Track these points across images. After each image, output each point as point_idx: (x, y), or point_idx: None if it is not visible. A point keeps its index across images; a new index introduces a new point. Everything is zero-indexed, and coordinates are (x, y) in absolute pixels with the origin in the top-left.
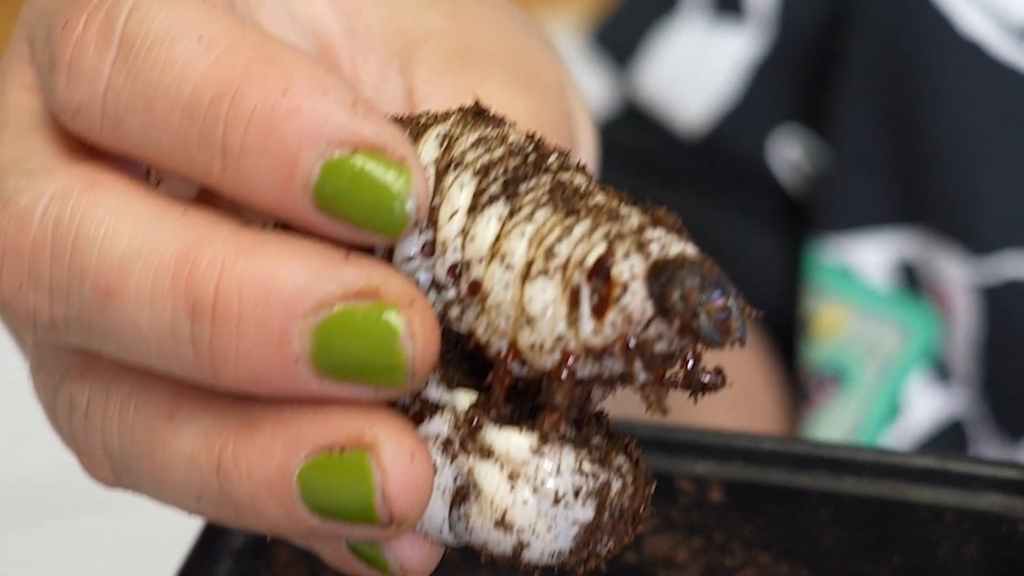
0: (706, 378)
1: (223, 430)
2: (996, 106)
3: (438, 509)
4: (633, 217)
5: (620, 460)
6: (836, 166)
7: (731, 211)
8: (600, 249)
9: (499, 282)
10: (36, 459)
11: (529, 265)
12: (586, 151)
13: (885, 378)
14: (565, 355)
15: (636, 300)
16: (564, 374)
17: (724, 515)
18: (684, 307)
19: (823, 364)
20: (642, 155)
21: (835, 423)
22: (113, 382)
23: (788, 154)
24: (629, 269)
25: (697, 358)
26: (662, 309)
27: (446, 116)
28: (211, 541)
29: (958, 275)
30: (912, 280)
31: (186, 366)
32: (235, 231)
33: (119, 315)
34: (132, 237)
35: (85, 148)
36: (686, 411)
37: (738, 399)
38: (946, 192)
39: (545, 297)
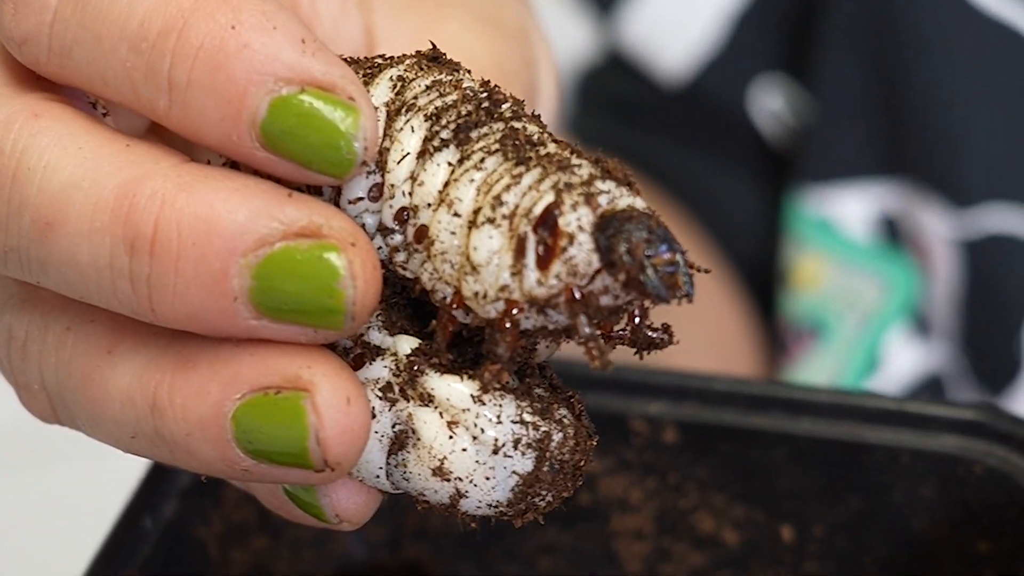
0: (653, 335)
1: (160, 367)
2: (979, 58)
3: (375, 455)
4: (583, 168)
5: (562, 412)
6: (819, 116)
7: (711, 160)
8: (548, 199)
9: (445, 229)
10: None
11: (476, 213)
12: (548, 100)
13: (864, 331)
14: (509, 305)
15: (582, 252)
16: (507, 324)
17: (678, 456)
18: (631, 260)
19: (802, 316)
20: (624, 102)
21: (813, 375)
22: (52, 315)
23: (769, 104)
24: (576, 220)
25: (644, 313)
26: (608, 262)
27: (401, 59)
28: (157, 480)
29: (939, 228)
30: (893, 233)
31: (124, 301)
32: (177, 166)
33: (58, 248)
34: (73, 169)
35: (33, 78)
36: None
37: (714, 349)
38: (929, 143)
39: (491, 245)
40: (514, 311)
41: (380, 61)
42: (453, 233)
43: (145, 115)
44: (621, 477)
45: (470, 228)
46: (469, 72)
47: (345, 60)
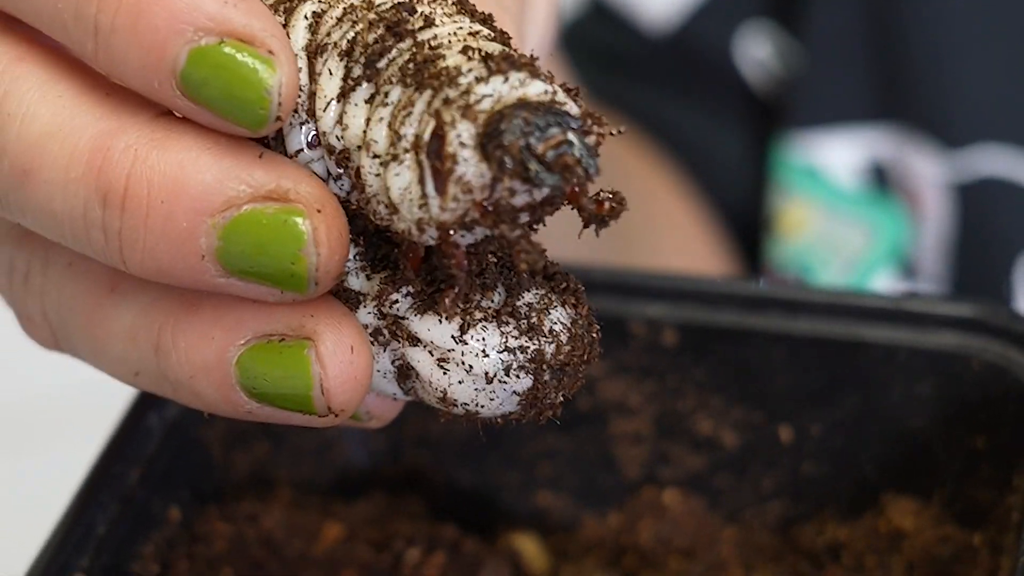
0: (600, 207)
1: (163, 309)
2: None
3: (387, 386)
4: (471, 72)
5: (555, 316)
6: (807, 62)
7: (698, 109)
8: (433, 123)
9: (369, 172)
10: None
11: (387, 151)
12: (540, 2)
13: (850, 277)
14: (439, 231)
15: (470, 168)
16: (448, 248)
17: (676, 358)
18: (511, 160)
19: (788, 263)
20: (609, 52)
21: None
22: (54, 249)
23: (756, 51)
24: (457, 138)
25: (574, 193)
26: (497, 168)
27: None
28: None
29: (931, 172)
30: (882, 180)
31: (98, 251)
32: (153, 119)
33: (35, 196)
34: (51, 118)
35: (18, 22)
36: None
37: None
38: (920, 85)
39: (400, 182)
40: (446, 235)
41: None
42: (377, 175)
43: (77, 55)
44: (619, 380)
45: (384, 167)
46: None
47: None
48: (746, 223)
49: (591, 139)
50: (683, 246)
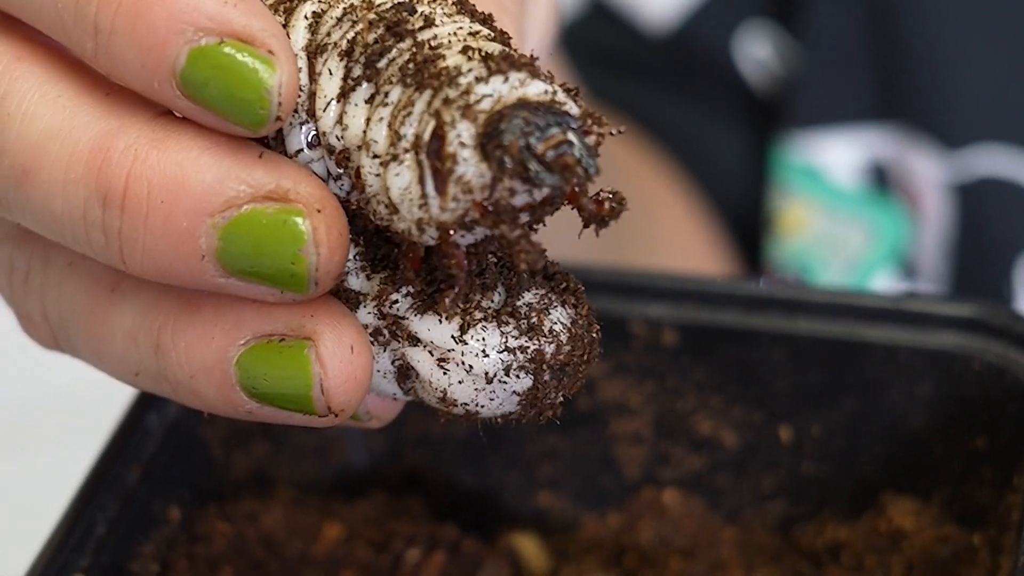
0: (599, 207)
1: (163, 309)
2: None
3: (387, 387)
4: (471, 72)
5: (555, 316)
6: (806, 62)
7: (698, 109)
8: (433, 123)
9: (369, 172)
10: None
11: (387, 151)
12: (541, 2)
13: (849, 277)
14: (440, 231)
15: (470, 168)
16: (448, 248)
17: (677, 358)
18: (511, 160)
19: (787, 263)
20: (610, 52)
21: None
22: (54, 249)
23: (755, 52)
24: (457, 138)
25: (574, 192)
26: (498, 168)
27: None
28: None
29: (931, 172)
30: (882, 179)
31: (98, 251)
32: (153, 119)
33: (34, 196)
34: (51, 118)
35: (18, 23)
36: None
37: None
38: (919, 85)
39: (400, 182)
40: (447, 235)
41: None
42: (377, 175)
43: (77, 56)
44: (620, 380)
45: (384, 167)
46: None
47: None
48: (746, 223)
49: (591, 139)
50: (683, 246)
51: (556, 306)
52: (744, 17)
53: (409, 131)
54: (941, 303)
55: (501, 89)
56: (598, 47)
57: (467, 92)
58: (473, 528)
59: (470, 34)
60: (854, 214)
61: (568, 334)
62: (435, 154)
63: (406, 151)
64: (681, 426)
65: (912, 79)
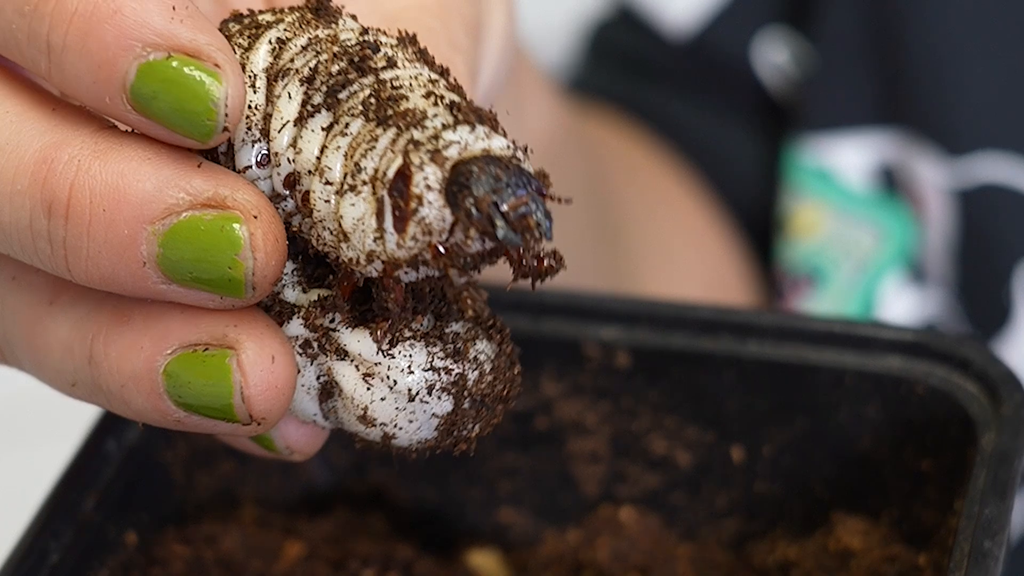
0: (543, 264)
1: (96, 320)
2: (974, 6)
3: (307, 404)
4: (437, 119)
5: (480, 347)
6: (818, 67)
7: (715, 113)
8: (399, 161)
9: (320, 197)
10: None
11: (344, 180)
12: (496, 35)
13: (860, 279)
14: (386, 265)
15: (433, 211)
16: (389, 282)
17: (630, 379)
18: (479, 214)
19: (799, 264)
20: (632, 56)
21: None
22: None
23: (773, 57)
24: (423, 180)
25: (525, 248)
26: (460, 216)
27: (283, 16)
28: None
29: (934, 177)
30: (890, 183)
31: (45, 261)
32: (96, 132)
33: None
34: None
35: None
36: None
37: (711, 296)
38: (923, 92)
39: (354, 213)
40: (392, 269)
41: (267, 19)
42: (327, 201)
43: (32, 74)
44: (576, 401)
45: (339, 196)
46: (354, 18)
47: (233, 18)
48: (759, 225)
49: (545, 203)
50: (696, 247)
51: (482, 339)
52: (763, 23)
53: (370, 165)
54: (885, 328)
55: (468, 138)
56: (622, 51)
57: (435, 137)
58: (435, 544)
59: (430, 80)
60: (864, 216)
61: (491, 365)
62: (398, 192)
63: (364, 183)
64: (637, 445)
65: (915, 86)
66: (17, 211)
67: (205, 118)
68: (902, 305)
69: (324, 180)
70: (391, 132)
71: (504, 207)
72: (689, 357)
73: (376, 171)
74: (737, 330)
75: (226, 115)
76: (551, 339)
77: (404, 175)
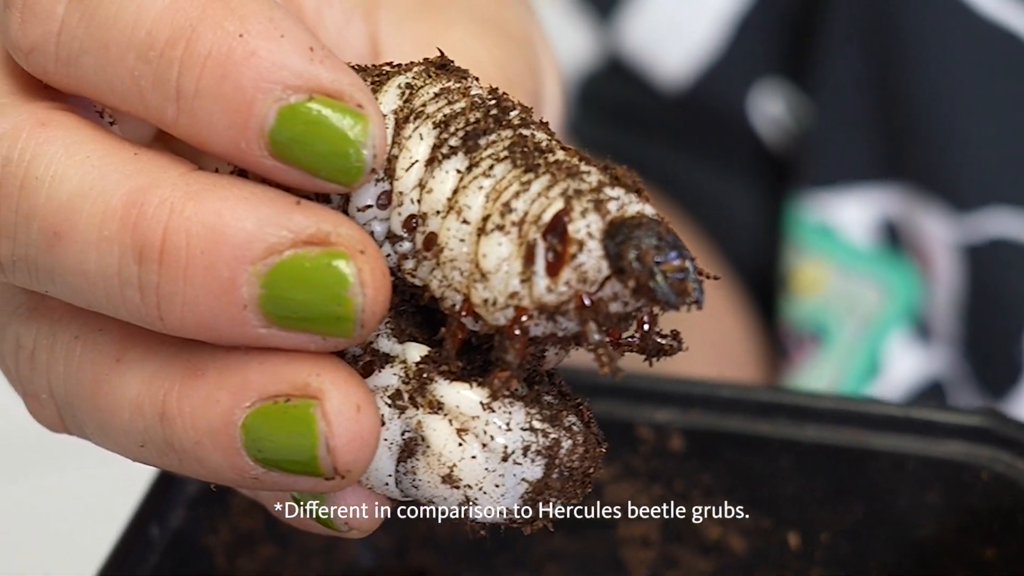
0: (663, 341)
1: (168, 376)
2: (978, 61)
3: (385, 462)
4: (593, 175)
5: (571, 420)
6: (818, 121)
7: (712, 166)
8: (557, 206)
9: (454, 236)
10: None
11: (485, 220)
12: (552, 106)
13: (865, 336)
14: (519, 312)
15: (592, 259)
16: (517, 331)
17: (684, 463)
18: (640, 267)
19: (803, 321)
20: (624, 108)
21: (814, 381)
22: (60, 324)
23: (769, 109)
24: (585, 227)
25: (653, 320)
26: (618, 269)
27: (409, 67)
28: (165, 489)
29: (941, 233)
30: (894, 238)
31: (132, 310)
32: (185, 175)
33: (66, 257)
34: (81, 178)
35: (39, 86)
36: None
37: (715, 354)
38: (928, 148)
39: (500, 252)
40: (524, 318)
41: (388, 69)
42: (462, 240)
43: (153, 123)
44: (627, 484)
45: (479, 235)
46: (477, 79)
47: (353, 68)
48: (762, 281)
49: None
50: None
51: (571, 413)
52: (759, 75)
53: (522, 206)
54: (947, 412)
55: (625, 199)
56: (614, 103)
57: (598, 190)
58: None
59: (557, 142)
60: (868, 272)
61: (583, 436)
62: (557, 236)
63: (514, 224)
64: (689, 530)
65: (920, 142)
66: (104, 258)
67: (352, 160)
68: (907, 363)
69: (461, 219)
70: (545, 178)
71: (664, 267)
72: (744, 440)
73: (527, 213)
74: (794, 413)
75: (374, 155)
76: (604, 421)
77: (562, 220)
